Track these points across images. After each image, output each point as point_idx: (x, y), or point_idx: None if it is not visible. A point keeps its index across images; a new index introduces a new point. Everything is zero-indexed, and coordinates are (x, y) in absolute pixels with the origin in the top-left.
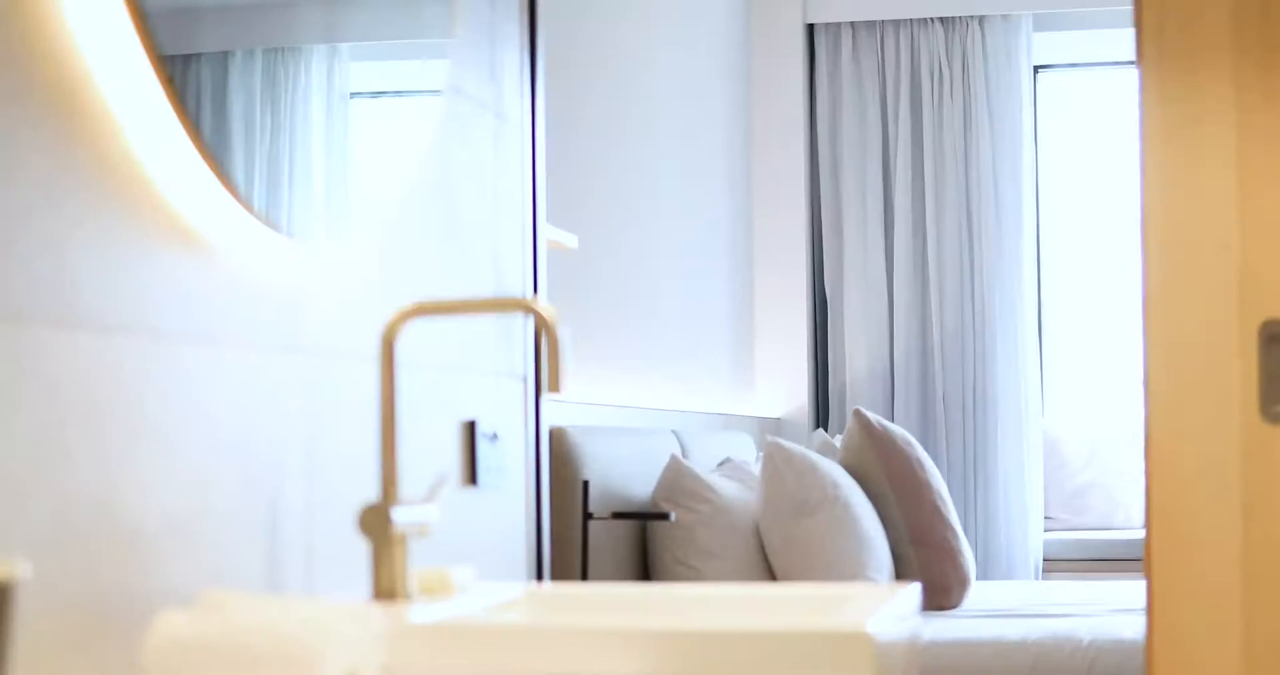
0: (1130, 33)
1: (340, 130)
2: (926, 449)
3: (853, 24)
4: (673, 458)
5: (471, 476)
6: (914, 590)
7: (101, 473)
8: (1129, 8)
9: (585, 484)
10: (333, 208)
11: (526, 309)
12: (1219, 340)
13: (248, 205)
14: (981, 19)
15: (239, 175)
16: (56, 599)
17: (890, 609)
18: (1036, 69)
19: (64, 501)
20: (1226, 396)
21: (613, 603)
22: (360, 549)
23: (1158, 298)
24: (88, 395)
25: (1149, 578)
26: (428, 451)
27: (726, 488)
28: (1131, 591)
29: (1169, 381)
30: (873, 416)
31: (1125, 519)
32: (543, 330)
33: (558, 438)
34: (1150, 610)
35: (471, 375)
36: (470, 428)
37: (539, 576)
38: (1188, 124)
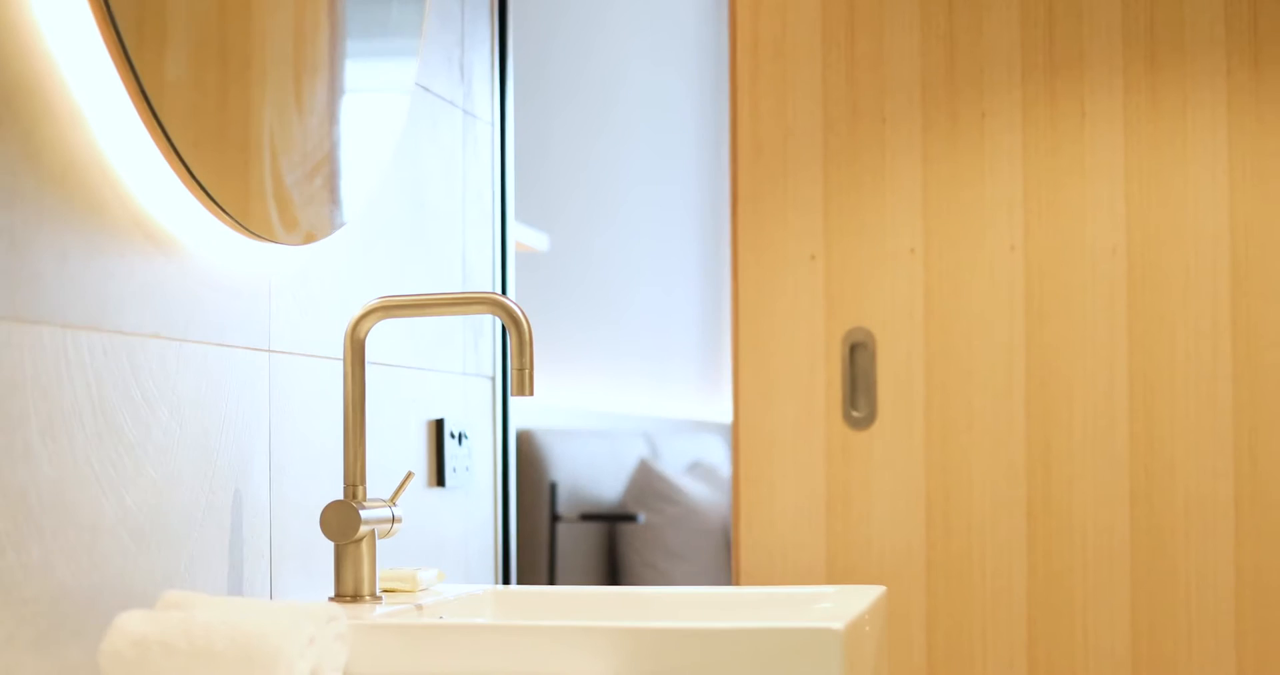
0: None
1: None
2: None
3: None
4: (642, 460)
5: (438, 476)
6: (883, 591)
7: (62, 470)
8: None
9: (553, 486)
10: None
11: (493, 304)
12: (806, 346)
13: (214, 202)
14: None
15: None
16: (14, 598)
17: (861, 608)
18: None
19: (23, 499)
20: (812, 401)
21: (580, 604)
22: (325, 549)
23: (748, 304)
24: (48, 392)
25: (736, 582)
26: (394, 451)
27: (696, 490)
28: None
29: (758, 386)
30: None
31: None
32: (511, 327)
33: (525, 440)
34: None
35: (439, 375)
36: (437, 427)
37: (505, 578)
38: (779, 135)
